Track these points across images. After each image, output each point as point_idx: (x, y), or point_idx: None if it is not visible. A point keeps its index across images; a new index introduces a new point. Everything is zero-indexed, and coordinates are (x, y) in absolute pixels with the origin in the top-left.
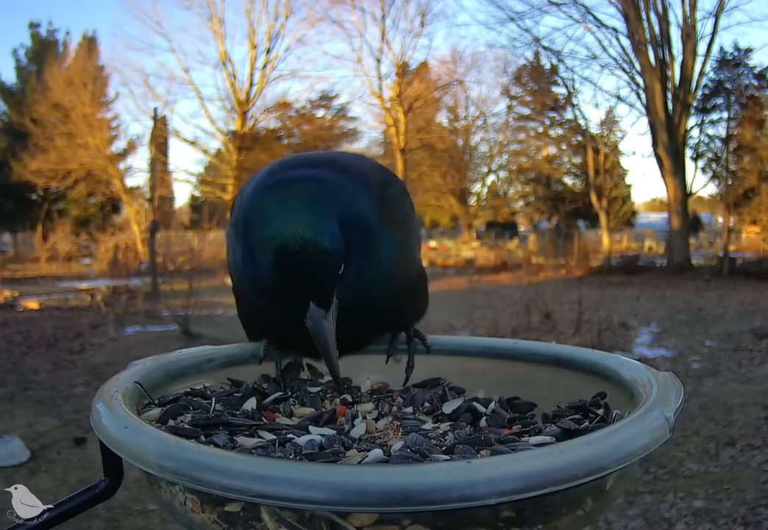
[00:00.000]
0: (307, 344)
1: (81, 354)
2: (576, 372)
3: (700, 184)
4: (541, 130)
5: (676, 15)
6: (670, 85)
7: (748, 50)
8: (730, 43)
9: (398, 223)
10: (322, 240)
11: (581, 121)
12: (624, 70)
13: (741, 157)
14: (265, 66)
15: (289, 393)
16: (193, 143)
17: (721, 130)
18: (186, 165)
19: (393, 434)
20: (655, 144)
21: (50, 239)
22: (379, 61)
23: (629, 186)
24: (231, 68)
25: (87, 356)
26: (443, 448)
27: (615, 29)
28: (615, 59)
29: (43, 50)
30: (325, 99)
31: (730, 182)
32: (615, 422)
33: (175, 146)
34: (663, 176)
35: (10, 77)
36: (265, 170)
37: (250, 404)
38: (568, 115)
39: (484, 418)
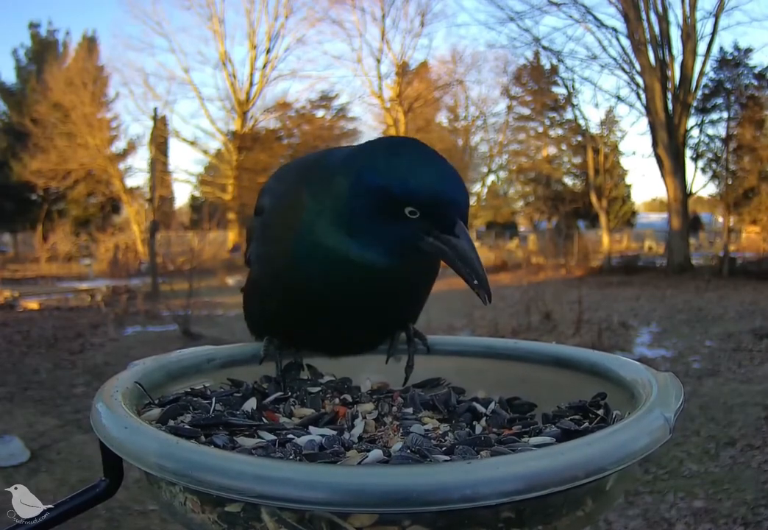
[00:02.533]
0: (319, 337)
1: (81, 354)
2: (576, 373)
3: (700, 184)
4: (541, 130)
5: (676, 15)
6: (670, 85)
7: (748, 50)
8: (730, 43)
9: None
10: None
11: (581, 121)
12: (624, 70)
13: (741, 157)
14: (265, 66)
15: (289, 393)
16: (193, 143)
17: (721, 130)
18: (186, 165)
19: (393, 434)
20: (655, 144)
21: (50, 239)
22: (379, 61)
23: (629, 186)
24: (231, 68)
25: (87, 356)
26: (443, 449)
27: (615, 29)
28: (615, 59)
29: (43, 50)
30: (325, 99)
31: (730, 182)
32: (615, 422)
33: (175, 146)
34: (663, 176)
35: (10, 77)
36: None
37: (250, 404)
38: (568, 115)
39: (484, 418)
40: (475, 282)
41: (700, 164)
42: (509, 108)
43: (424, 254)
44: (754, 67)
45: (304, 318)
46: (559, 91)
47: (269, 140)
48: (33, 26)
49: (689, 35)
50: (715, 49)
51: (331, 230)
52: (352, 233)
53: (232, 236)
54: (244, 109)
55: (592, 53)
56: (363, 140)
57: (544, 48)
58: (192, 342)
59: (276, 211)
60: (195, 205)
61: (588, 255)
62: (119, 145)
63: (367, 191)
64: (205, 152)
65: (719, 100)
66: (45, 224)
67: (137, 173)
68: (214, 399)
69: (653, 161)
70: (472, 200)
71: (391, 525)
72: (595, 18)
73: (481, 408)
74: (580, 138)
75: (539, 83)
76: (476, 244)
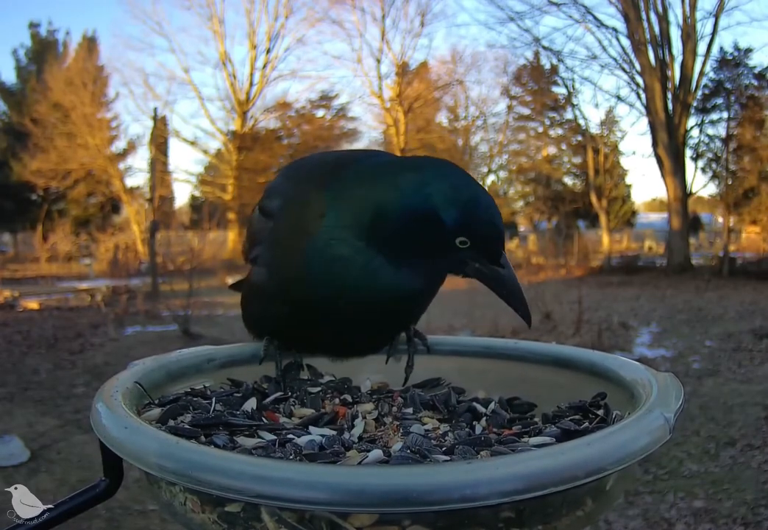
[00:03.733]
0: (320, 343)
1: (81, 354)
2: (576, 373)
3: (700, 184)
4: (541, 130)
5: (676, 15)
6: (670, 85)
7: (748, 50)
8: (730, 43)
9: None
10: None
11: (581, 121)
12: (624, 70)
13: (741, 157)
14: (265, 66)
15: (289, 394)
16: (193, 143)
17: (721, 130)
18: (186, 165)
19: (393, 434)
20: (655, 144)
21: (50, 239)
22: (379, 61)
23: (629, 186)
24: (231, 68)
25: (87, 356)
26: (443, 449)
27: (615, 29)
28: (615, 59)
29: (43, 50)
30: (325, 99)
31: (730, 182)
32: (615, 422)
33: (175, 146)
34: (663, 176)
35: (10, 77)
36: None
37: (250, 404)
38: (568, 115)
39: (484, 418)
40: (521, 311)
41: (700, 164)
42: (509, 108)
43: (465, 276)
44: (754, 67)
45: (307, 327)
46: (559, 91)
47: (269, 140)
48: (33, 26)
49: (689, 35)
50: (715, 49)
51: (358, 246)
52: (387, 253)
53: (232, 236)
54: (244, 109)
55: (592, 53)
56: (363, 139)
57: (544, 48)
58: (192, 342)
59: (287, 214)
60: (195, 205)
61: (588, 255)
62: (119, 145)
63: (419, 217)
64: (205, 152)
65: (719, 100)
66: (45, 224)
67: (137, 173)
68: (214, 399)
69: (653, 161)
70: None
71: (391, 525)
72: (595, 18)
73: (481, 408)
74: (580, 138)
75: (539, 83)
76: None
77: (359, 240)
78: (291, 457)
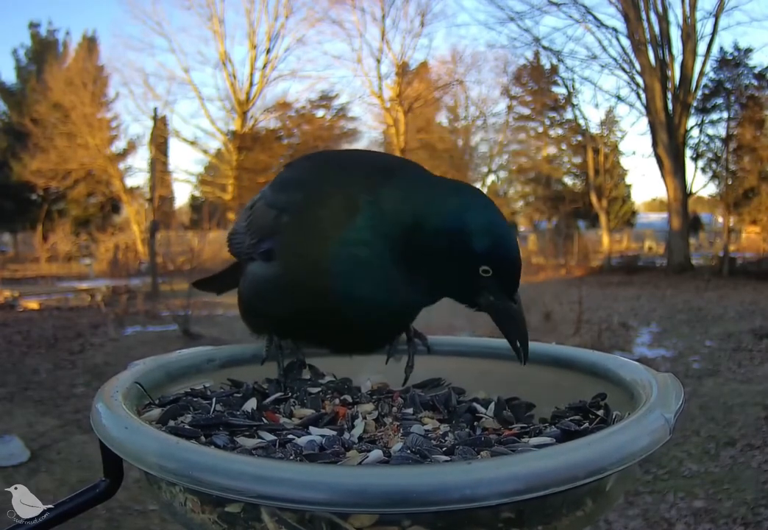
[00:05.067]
0: (323, 340)
1: (81, 354)
2: (576, 373)
3: (700, 184)
4: (541, 130)
5: (676, 15)
6: (670, 85)
7: (748, 50)
8: (730, 43)
9: None
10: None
11: (581, 121)
12: (624, 70)
13: (741, 157)
14: (265, 66)
15: (290, 394)
16: (193, 143)
17: (721, 130)
18: (186, 165)
19: (393, 435)
20: (655, 144)
21: (50, 239)
22: (379, 61)
23: (629, 186)
24: (231, 68)
25: (87, 356)
26: (443, 449)
27: (615, 29)
28: (615, 59)
29: (43, 50)
30: (325, 99)
31: (730, 182)
32: (615, 423)
33: (175, 146)
34: (663, 176)
35: (10, 77)
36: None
37: (251, 404)
38: (568, 115)
39: (484, 419)
40: (519, 346)
41: (700, 164)
42: (509, 108)
43: (475, 307)
44: (754, 67)
45: (313, 323)
46: (559, 91)
47: (269, 140)
48: (33, 26)
49: (689, 35)
50: (715, 49)
51: (382, 252)
52: (408, 266)
53: None
54: (244, 109)
55: (592, 53)
56: (363, 139)
57: (544, 48)
58: (192, 342)
59: (313, 209)
60: (195, 205)
61: (588, 255)
62: (119, 145)
63: (454, 238)
64: (205, 152)
65: (719, 100)
66: (45, 224)
67: (137, 173)
68: (214, 400)
69: (653, 161)
70: None
71: (391, 525)
72: (595, 18)
73: (481, 409)
74: (580, 138)
75: (539, 83)
76: None
77: (384, 247)
78: (291, 457)
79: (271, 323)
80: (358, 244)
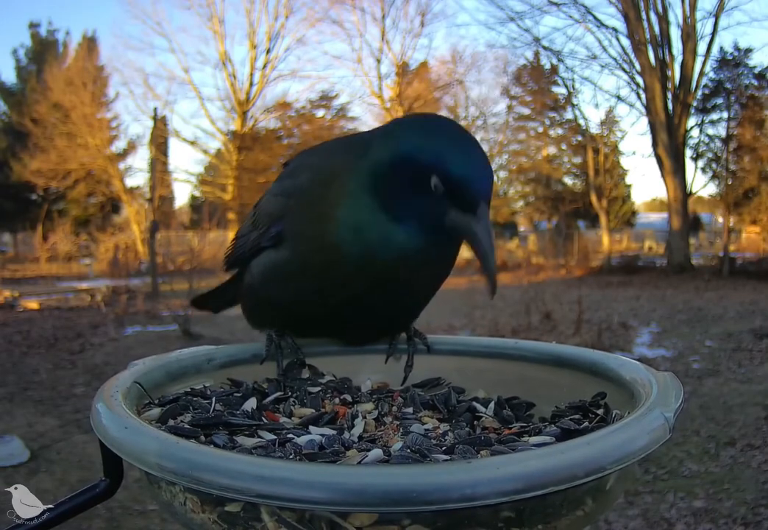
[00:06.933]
0: (330, 324)
1: (81, 354)
2: (576, 372)
3: (700, 184)
4: (541, 130)
5: (676, 15)
6: (670, 85)
7: (748, 50)
8: (730, 43)
9: None
10: None
11: (581, 121)
12: (624, 70)
13: (741, 157)
14: (265, 66)
15: (289, 393)
16: (193, 143)
17: (721, 130)
18: (186, 165)
19: (393, 434)
20: (655, 144)
21: (50, 239)
22: (379, 61)
23: (629, 186)
24: (231, 68)
25: (87, 356)
26: (443, 448)
27: (615, 29)
28: (615, 59)
29: (43, 50)
30: (325, 99)
31: (730, 182)
32: (615, 422)
33: (175, 146)
34: (663, 176)
35: (10, 77)
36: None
37: (250, 404)
38: (568, 115)
39: (484, 418)
40: (486, 273)
41: (700, 164)
42: (509, 108)
43: (447, 232)
44: (754, 67)
45: (327, 302)
46: (559, 91)
47: (269, 139)
48: (33, 26)
49: (689, 35)
50: (715, 49)
51: (373, 207)
52: (387, 207)
53: (232, 236)
54: (244, 109)
55: (592, 53)
56: None
57: (544, 48)
58: (192, 342)
59: (318, 185)
60: (195, 205)
61: (588, 255)
62: (119, 145)
63: (402, 160)
64: (205, 152)
65: (719, 100)
66: (45, 224)
67: (137, 173)
68: (214, 399)
69: (653, 161)
70: None
71: (390, 524)
72: (595, 18)
73: (481, 408)
74: (580, 138)
75: (539, 83)
76: None
77: (374, 202)
78: (291, 457)
79: (280, 314)
80: (355, 206)
